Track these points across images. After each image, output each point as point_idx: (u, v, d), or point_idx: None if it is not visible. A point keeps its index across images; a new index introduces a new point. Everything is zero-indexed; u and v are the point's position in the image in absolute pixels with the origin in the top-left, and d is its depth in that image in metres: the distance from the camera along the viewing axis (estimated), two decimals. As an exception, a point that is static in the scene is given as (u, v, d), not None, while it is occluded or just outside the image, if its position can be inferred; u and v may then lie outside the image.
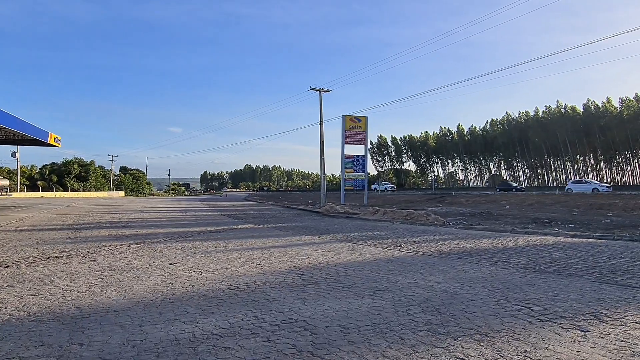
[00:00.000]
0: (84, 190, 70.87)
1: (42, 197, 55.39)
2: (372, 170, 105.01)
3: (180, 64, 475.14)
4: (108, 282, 4.95)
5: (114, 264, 6.27)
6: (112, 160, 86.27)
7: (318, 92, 26.28)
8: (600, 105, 67.35)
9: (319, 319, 3.37)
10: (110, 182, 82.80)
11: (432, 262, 6.11)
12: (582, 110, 69.26)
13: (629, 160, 67.43)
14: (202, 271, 5.60)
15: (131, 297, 4.20)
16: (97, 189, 75.12)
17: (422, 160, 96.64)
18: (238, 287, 4.60)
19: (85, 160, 79.89)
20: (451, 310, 3.57)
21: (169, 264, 6.22)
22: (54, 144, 26.74)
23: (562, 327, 3.11)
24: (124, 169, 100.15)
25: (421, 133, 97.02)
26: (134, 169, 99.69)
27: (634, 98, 62.87)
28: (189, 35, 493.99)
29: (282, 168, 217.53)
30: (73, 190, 68.98)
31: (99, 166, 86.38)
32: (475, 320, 3.29)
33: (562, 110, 71.57)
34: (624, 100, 64.45)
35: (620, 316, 3.37)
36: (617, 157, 68.10)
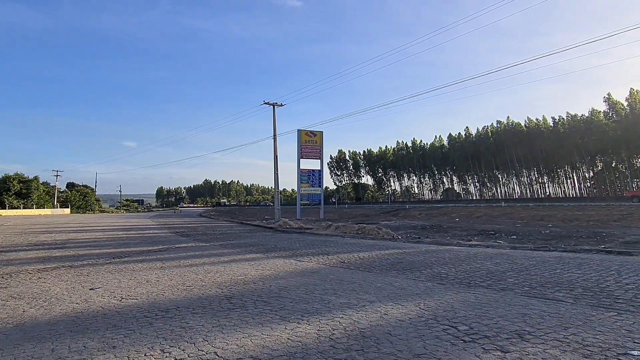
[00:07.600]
0: (24, 208, 65.87)
1: (-26, 215, 50.97)
2: (330, 184, 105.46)
3: (135, 76, 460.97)
4: (9, 313, 4.40)
5: (26, 290, 5.66)
6: (57, 175, 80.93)
7: (272, 106, 26.07)
8: (538, 122, 71.60)
9: (232, 351, 3.08)
10: (54, 199, 77.61)
11: (371, 279, 5.96)
12: (524, 126, 73.29)
13: (568, 174, 71.98)
14: (124, 296, 5.14)
15: (27, 331, 3.71)
16: (40, 207, 70.12)
17: (380, 174, 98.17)
18: (156, 315, 4.21)
19: (27, 176, 74.43)
20: (376, 334, 3.40)
21: (90, 289, 5.69)
22: (-14, 158, 24.74)
23: (483, 349, 3.01)
24: (71, 185, 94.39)
25: (379, 148, 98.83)
26: (82, 185, 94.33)
27: (567, 116, 67.43)
28: (145, 48, 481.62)
29: (241, 183, 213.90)
30: (12, 208, 63.86)
31: (43, 182, 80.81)
32: (397, 344, 3.13)
33: (508, 127, 75.41)
34: (556, 119, 69.24)
35: (542, 333, 3.33)
36: (558, 171, 72.48)
